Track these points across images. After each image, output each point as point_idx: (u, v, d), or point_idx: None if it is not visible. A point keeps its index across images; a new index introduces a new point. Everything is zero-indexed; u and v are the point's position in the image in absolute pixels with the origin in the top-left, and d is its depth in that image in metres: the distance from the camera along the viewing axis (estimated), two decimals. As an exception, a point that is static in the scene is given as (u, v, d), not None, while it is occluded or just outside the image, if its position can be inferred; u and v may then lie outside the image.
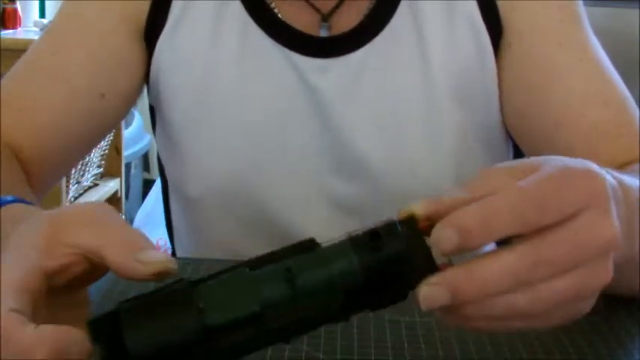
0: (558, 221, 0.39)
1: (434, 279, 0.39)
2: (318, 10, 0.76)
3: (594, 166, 0.41)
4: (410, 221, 0.41)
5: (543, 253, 0.39)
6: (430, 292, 0.39)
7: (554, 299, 0.40)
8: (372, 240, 0.40)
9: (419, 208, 0.41)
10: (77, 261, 0.44)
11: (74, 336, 0.41)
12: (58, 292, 0.45)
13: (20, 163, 0.74)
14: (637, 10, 1.88)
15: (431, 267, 0.40)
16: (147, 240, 0.44)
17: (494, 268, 0.39)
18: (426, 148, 0.76)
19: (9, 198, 0.56)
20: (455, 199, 0.41)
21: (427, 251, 0.40)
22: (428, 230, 0.40)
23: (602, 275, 0.41)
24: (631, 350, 0.53)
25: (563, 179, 0.40)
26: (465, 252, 0.39)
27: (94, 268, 0.45)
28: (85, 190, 2.35)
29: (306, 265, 0.40)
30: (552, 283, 0.39)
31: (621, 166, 0.71)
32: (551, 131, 0.74)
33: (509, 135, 0.81)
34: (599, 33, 0.78)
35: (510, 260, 0.39)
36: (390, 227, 0.40)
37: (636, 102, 0.76)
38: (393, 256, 0.40)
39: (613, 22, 1.88)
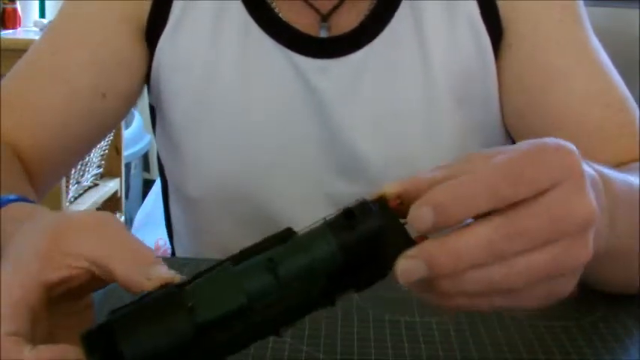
0: (533, 195, 0.39)
1: (410, 252, 0.40)
2: (317, 11, 0.76)
3: (568, 144, 0.42)
4: (381, 200, 0.42)
5: (518, 225, 0.39)
6: (407, 264, 0.40)
7: (531, 274, 0.40)
8: (346, 219, 0.41)
9: (389, 187, 0.42)
10: (80, 273, 0.44)
11: (71, 354, 0.41)
12: (59, 300, 0.45)
13: (21, 163, 0.74)
14: (637, 10, 1.88)
15: (407, 243, 0.41)
16: (153, 253, 0.44)
17: (469, 240, 0.39)
18: (426, 149, 0.76)
19: (11, 197, 0.56)
20: (429, 179, 0.41)
21: (401, 228, 0.41)
22: (400, 209, 0.41)
23: (580, 252, 0.40)
24: (630, 350, 0.53)
25: (536, 154, 0.40)
26: (441, 230, 0.39)
27: (97, 279, 0.45)
28: (85, 190, 2.35)
29: (287, 253, 0.41)
30: (528, 257, 0.39)
31: (619, 166, 0.71)
32: (551, 131, 0.74)
33: (508, 135, 0.81)
34: (599, 33, 0.78)
35: (485, 232, 0.39)
36: (362, 206, 0.41)
37: (636, 102, 0.76)
38: (368, 233, 0.41)
39: (613, 22, 1.88)
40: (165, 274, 0.43)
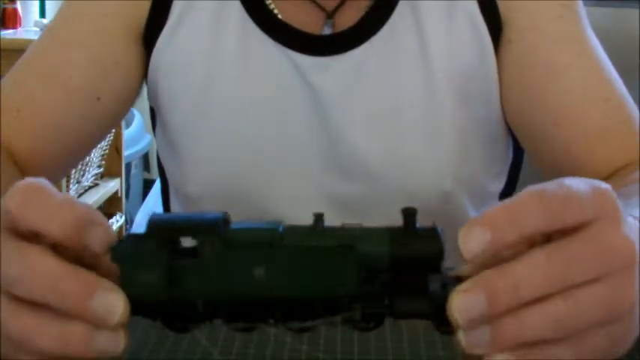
0: (579, 225, 0.39)
1: (465, 285, 0.38)
2: (322, 9, 0.76)
3: (603, 184, 0.41)
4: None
5: (570, 251, 0.38)
6: (464, 299, 0.38)
7: (592, 308, 0.38)
8: (410, 230, 0.40)
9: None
10: None
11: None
12: None
13: (18, 165, 0.73)
14: (637, 10, 1.88)
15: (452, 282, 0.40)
16: (90, 210, 0.41)
17: (525, 268, 0.38)
18: (426, 146, 0.76)
19: None
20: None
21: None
22: None
23: (628, 290, 0.40)
24: (631, 350, 0.53)
25: (581, 185, 0.40)
26: (492, 253, 0.38)
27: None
28: (86, 190, 2.35)
29: (341, 227, 0.41)
30: (587, 289, 0.38)
31: (621, 168, 0.71)
32: (550, 129, 0.74)
33: (509, 131, 0.81)
34: (599, 33, 0.78)
35: (539, 258, 0.38)
36: (433, 228, 0.41)
37: (636, 102, 0.76)
38: (426, 249, 0.40)
39: (613, 22, 1.88)
40: (102, 240, 0.40)
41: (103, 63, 0.77)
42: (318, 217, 0.41)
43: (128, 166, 2.88)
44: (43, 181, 0.41)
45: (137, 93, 0.82)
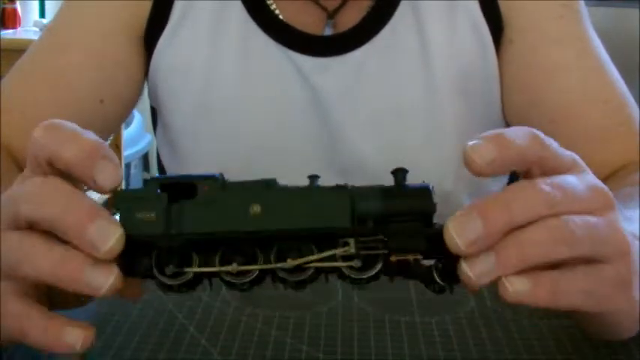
0: (557, 165, 0.41)
1: (459, 212, 0.40)
2: (323, 9, 0.76)
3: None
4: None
5: (556, 180, 0.40)
6: (460, 222, 0.39)
7: (582, 230, 0.40)
8: (401, 188, 0.43)
9: None
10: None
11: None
12: None
13: (19, 169, 0.73)
14: (637, 10, 1.88)
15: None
16: (102, 144, 0.43)
17: (516, 190, 0.40)
18: (427, 147, 0.76)
19: None
20: None
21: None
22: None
23: (615, 227, 0.41)
24: (631, 350, 0.53)
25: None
26: (498, 167, 0.40)
27: None
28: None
29: (335, 186, 0.43)
30: (576, 216, 0.40)
31: (620, 168, 0.71)
32: (550, 129, 0.74)
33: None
34: (599, 33, 0.78)
35: (529, 183, 0.40)
36: (425, 186, 0.43)
37: (636, 102, 0.76)
38: (417, 203, 0.42)
39: (613, 22, 1.88)
40: (110, 175, 0.42)
41: (104, 64, 0.77)
42: (313, 178, 0.43)
43: (128, 166, 2.88)
44: (67, 122, 0.43)
45: (139, 94, 0.82)
